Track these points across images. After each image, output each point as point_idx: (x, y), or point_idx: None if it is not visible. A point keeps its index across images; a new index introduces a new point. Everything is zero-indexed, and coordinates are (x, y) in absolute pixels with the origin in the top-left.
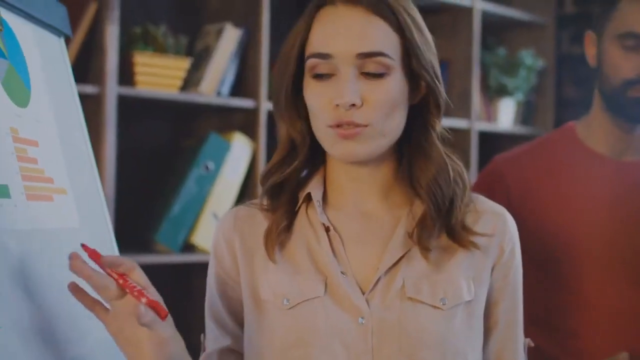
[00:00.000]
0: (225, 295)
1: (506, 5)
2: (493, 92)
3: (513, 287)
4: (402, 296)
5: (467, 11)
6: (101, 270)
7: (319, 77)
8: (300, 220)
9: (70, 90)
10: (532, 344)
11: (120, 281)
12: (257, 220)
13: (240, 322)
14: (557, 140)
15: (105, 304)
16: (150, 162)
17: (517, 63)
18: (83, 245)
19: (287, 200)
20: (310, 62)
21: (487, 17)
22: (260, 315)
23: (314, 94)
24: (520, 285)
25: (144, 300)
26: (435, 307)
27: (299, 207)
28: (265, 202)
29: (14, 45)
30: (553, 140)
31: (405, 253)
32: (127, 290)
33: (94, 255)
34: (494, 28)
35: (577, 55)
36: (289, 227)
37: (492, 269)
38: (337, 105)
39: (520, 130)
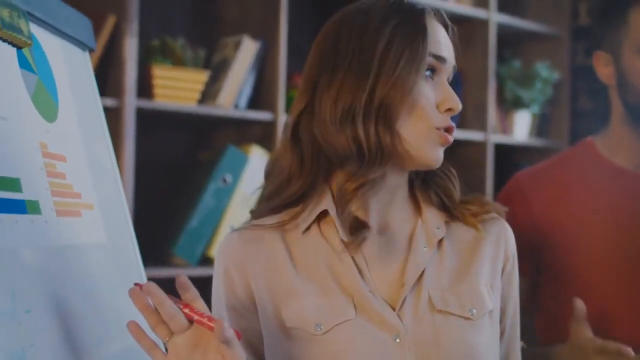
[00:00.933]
0: (239, 327)
1: (521, 17)
2: (508, 105)
3: (515, 293)
4: (432, 309)
5: (483, 23)
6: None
7: (431, 75)
8: (314, 238)
9: (95, 103)
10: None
11: (187, 310)
12: (267, 241)
13: (258, 355)
14: (577, 155)
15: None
16: (168, 174)
17: (533, 75)
18: (136, 284)
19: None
20: (429, 61)
21: (502, 29)
22: (288, 343)
23: (427, 93)
24: (518, 291)
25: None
26: (466, 318)
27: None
28: (269, 220)
29: (42, 60)
30: (574, 155)
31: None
32: (196, 317)
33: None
34: (510, 40)
35: (592, 67)
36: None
37: (501, 277)
38: (449, 109)
39: (536, 142)
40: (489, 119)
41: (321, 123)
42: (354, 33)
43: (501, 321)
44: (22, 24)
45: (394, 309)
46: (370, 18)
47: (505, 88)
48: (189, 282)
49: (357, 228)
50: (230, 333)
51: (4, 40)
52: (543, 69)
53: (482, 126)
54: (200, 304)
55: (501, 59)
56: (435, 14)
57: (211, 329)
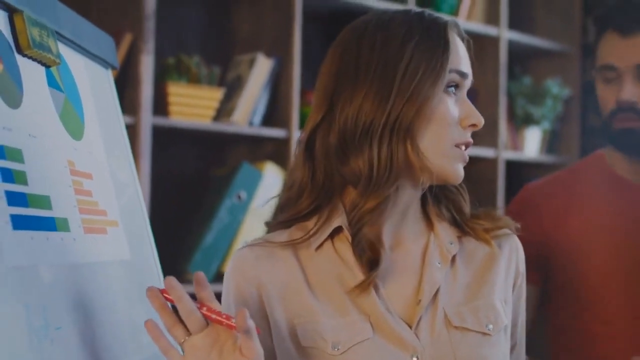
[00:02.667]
0: None
1: (532, 34)
2: (519, 121)
3: (523, 308)
4: (449, 326)
5: (494, 40)
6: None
7: (453, 90)
8: (327, 254)
9: (118, 121)
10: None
11: (204, 309)
12: (280, 258)
13: None
14: (588, 167)
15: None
16: (183, 191)
17: (543, 92)
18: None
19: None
20: (452, 77)
21: (513, 46)
22: None
23: (449, 108)
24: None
25: (233, 321)
26: (484, 333)
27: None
28: (281, 236)
29: (68, 78)
30: (584, 167)
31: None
32: (214, 315)
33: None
34: (520, 57)
35: None
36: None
37: (513, 291)
38: (472, 125)
39: (547, 158)
40: (500, 135)
41: (340, 140)
42: (376, 49)
43: (512, 335)
44: (51, 42)
45: (410, 327)
46: (392, 34)
47: (516, 105)
48: (206, 280)
49: (372, 263)
50: (252, 323)
51: (34, 59)
52: (553, 86)
53: (493, 143)
54: (216, 304)
55: (512, 75)
56: (454, 27)
57: (230, 327)
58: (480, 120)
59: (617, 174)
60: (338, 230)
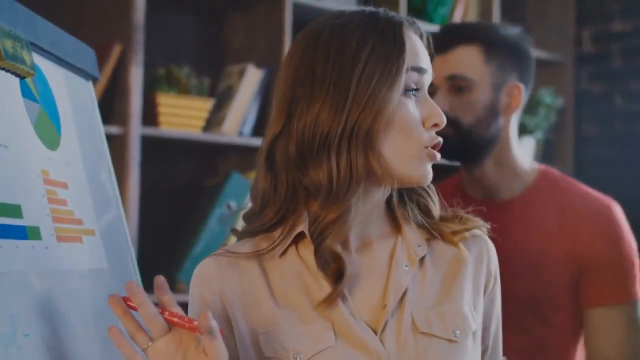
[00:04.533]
0: None
1: None
2: None
3: (497, 312)
4: (415, 331)
5: None
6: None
7: (413, 92)
8: (291, 260)
9: (97, 132)
10: None
11: (166, 314)
12: (243, 267)
13: None
14: (445, 189)
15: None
16: (173, 201)
17: (537, 101)
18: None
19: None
20: (410, 76)
21: None
22: None
23: (409, 111)
24: (501, 309)
25: (195, 323)
26: (450, 340)
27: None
28: (245, 247)
29: (45, 89)
30: (444, 188)
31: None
32: (176, 319)
33: (128, 299)
34: None
35: (596, 93)
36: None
37: (484, 295)
38: (436, 124)
39: None
40: None
41: (298, 150)
42: (331, 57)
43: (484, 339)
44: (25, 54)
45: (376, 332)
46: (347, 40)
47: None
48: (167, 285)
49: (337, 274)
50: (214, 323)
51: (7, 70)
52: (547, 96)
53: None
54: (178, 309)
55: None
56: (411, 25)
57: (192, 329)
58: (442, 119)
59: (465, 192)
60: (302, 235)
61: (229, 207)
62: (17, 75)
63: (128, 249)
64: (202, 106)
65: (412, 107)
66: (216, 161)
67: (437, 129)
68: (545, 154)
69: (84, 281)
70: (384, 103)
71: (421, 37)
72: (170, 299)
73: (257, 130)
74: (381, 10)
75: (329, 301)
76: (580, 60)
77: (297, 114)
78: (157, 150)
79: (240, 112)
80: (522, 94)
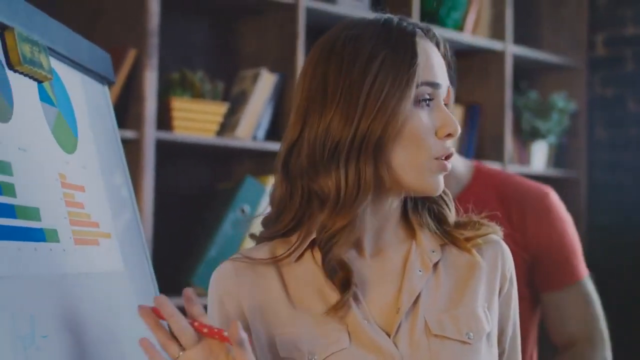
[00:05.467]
0: None
1: (537, 48)
2: (526, 135)
3: (514, 314)
4: (428, 334)
5: (499, 55)
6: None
7: (426, 102)
8: (306, 265)
9: (113, 136)
10: None
11: (196, 324)
12: (260, 271)
13: None
14: None
15: None
16: (187, 205)
17: (550, 106)
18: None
19: (284, 246)
20: (423, 90)
21: (518, 61)
22: None
23: (422, 122)
24: (518, 311)
25: (225, 333)
26: (463, 342)
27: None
28: (262, 252)
29: (62, 93)
30: None
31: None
32: (206, 330)
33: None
34: (526, 71)
35: (609, 97)
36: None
37: (499, 298)
38: (449, 135)
39: (554, 172)
40: (506, 150)
41: (310, 159)
42: (344, 67)
43: (500, 342)
44: (42, 59)
45: (389, 335)
46: (359, 50)
47: (522, 119)
48: (195, 296)
49: (344, 283)
50: (244, 334)
51: (25, 75)
52: (560, 100)
53: (499, 157)
54: (206, 319)
55: (518, 90)
56: (426, 33)
57: (222, 339)
58: (456, 129)
59: None
60: (316, 240)
61: (243, 211)
62: (35, 79)
63: (144, 252)
64: (216, 110)
65: (424, 118)
66: (230, 165)
67: (451, 139)
68: (558, 158)
69: (101, 284)
70: (394, 114)
71: (438, 45)
72: (199, 309)
73: (271, 135)
74: (395, 19)
75: (337, 309)
76: (593, 64)
77: (310, 123)
78: (171, 154)
79: (254, 116)
80: (451, 94)
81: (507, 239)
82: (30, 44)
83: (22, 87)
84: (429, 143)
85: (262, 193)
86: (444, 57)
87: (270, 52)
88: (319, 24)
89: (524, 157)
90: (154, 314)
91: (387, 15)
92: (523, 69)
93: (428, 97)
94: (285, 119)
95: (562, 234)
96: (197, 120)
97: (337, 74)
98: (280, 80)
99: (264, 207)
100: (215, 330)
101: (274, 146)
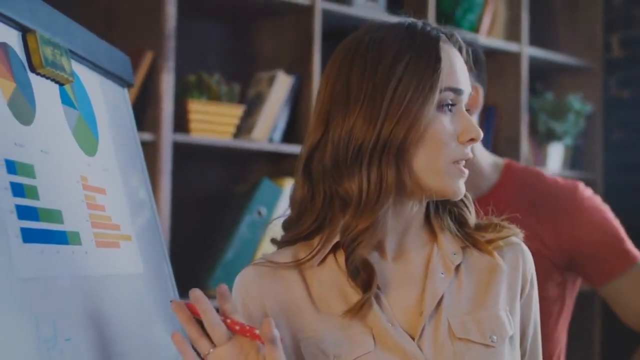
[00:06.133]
0: None
1: (553, 50)
2: (541, 137)
3: (535, 316)
4: (452, 337)
5: (515, 57)
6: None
7: (449, 107)
8: (329, 268)
9: (133, 138)
10: None
11: (228, 321)
12: (283, 276)
13: None
14: None
15: None
16: (204, 207)
17: (565, 108)
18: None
19: (306, 249)
20: (445, 95)
21: (534, 62)
22: None
23: (444, 127)
24: (539, 313)
25: (257, 331)
26: (487, 345)
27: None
28: (284, 256)
29: (83, 96)
30: None
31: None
32: (238, 327)
33: (191, 306)
34: (542, 73)
35: (625, 99)
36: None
37: (520, 300)
38: (471, 139)
39: (570, 174)
40: (522, 151)
41: (333, 162)
42: (367, 69)
43: (521, 344)
44: (64, 61)
45: (413, 338)
46: (383, 54)
47: (538, 121)
48: (229, 293)
49: (366, 284)
50: (276, 332)
51: (47, 78)
52: (575, 102)
53: (515, 159)
54: (239, 316)
55: (533, 92)
56: (449, 38)
57: (254, 337)
58: (479, 134)
59: None
60: (339, 244)
61: (259, 213)
62: (56, 82)
63: (163, 255)
64: (233, 113)
65: (446, 122)
66: (246, 168)
67: (473, 144)
68: (574, 159)
69: (122, 286)
70: (417, 119)
71: (461, 49)
72: (232, 307)
73: (287, 137)
74: (419, 23)
75: (356, 309)
76: (608, 66)
77: (333, 125)
78: (188, 157)
79: (270, 118)
80: (480, 95)
81: (536, 241)
82: (52, 46)
83: (44, 90)
84: (450, 148)
85: (278, 195)
86: (466, 62)
87: (286, 54)
88: (334, 26)
89: (539, 158)
90: (187, 309)
91: (411, 19)
92: (539, 70)
93: (450, 102)
94: (302, 121)
95: (602, 227)
96: (213, 122)
97: (360, 77)
98: (296, 82)
99: (282, 209)
100: (247, 327)
101: (290, 148)
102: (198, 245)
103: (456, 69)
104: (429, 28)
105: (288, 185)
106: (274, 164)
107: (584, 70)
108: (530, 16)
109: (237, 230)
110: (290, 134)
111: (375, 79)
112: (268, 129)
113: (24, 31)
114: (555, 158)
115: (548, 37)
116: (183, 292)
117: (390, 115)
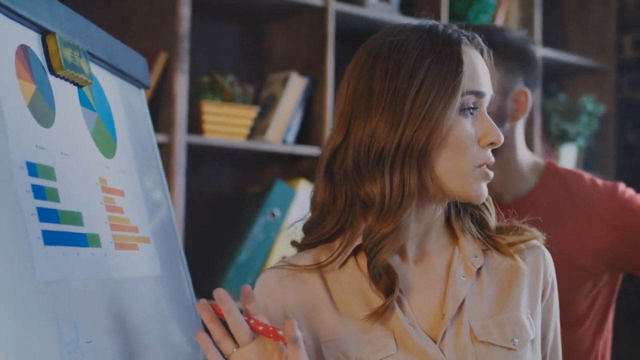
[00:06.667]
0: None
1: (566, 51)
2: (554, 138)
3: (555, 319)
4: (474, 340)
5: None
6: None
7: (470, 111)
8: (350, 271)
9: (149, 140)
10: None
11: (251, 321)
12: (304, 279)
13: None
14: None
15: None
16: (218, 209)
17: (578, 109)
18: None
19: (326, 252)
20: (467, 98)
21: (547, 64)
22: None
23: (466, 130)
24: (559, 316)
25: (280, 332)
26: (509, 348)
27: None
28: (305, 259)
29: (101, 98)
30: None
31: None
32: (261, 327)
33: (215, 306)
34: (555, 74)
35: (638, 100)
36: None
37: (541, 303)
38: (492, 143)
39: None
40: (535, 152)
41: (354, 165)
42: (389, 73)
43: (542, 347)
44: (83, 63)
45: (435, 341)
46: (405, 57)
47: (551, 122)
48: (254, 294)
49: (388, 288)
50: (299, 333)
51: (67, 79)
52: (588, 103)
53: None
54: (263, 317)
55: (546, 93)
56: (471, 41)
57: (277, 338)
58: (499, 138)
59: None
60: (361, 247)
61: (273, 215)
62: (75, 84)
63: (180, 256)
64: (247, 114)
65: (468, 126)
66: (260, 169)
67: (494, 147)
68: (587, 161)
69: (141, 288)
70: (439, 122)
71: (482, 52)
72: (255, 307)
73: (301, 139)
74: (441, 26)
75: (379, 313)
76: (621, 67)
77: (355, 128)
78: (202, 158)
79: (283, 120)
80: (529, 99)
81: (571, 244)
82: (71, 48)
83: (63, 92)
84: (472, 151)
85: (292, 197)
86: (488, 65)
87: (300, 56)
88: (347, 27)
89: (552, 160)
90: (212, 309)
91: (432, 22)
92: (551, 71)
93: (472, 105)
94: (315, 122)
95: None
96: (227, 124)
97: (382, 80)
98: (309, 84)
99: (296, 211)
100: (271, 328)
101: (304, 150)
102: (211, 247)
103: (478, 71)
104: (450, 30)
105: (301, 186)
106: (288, 166)
107: (597, 71)
108: (543, 17)
109: (250, 231)
110: (304, 136)
111: (397, 82)
112: (281, 130)
113: (44, 33)
114: (568, 159)
115: (561, 38)
116: (196, 293)
117: (412, 119)
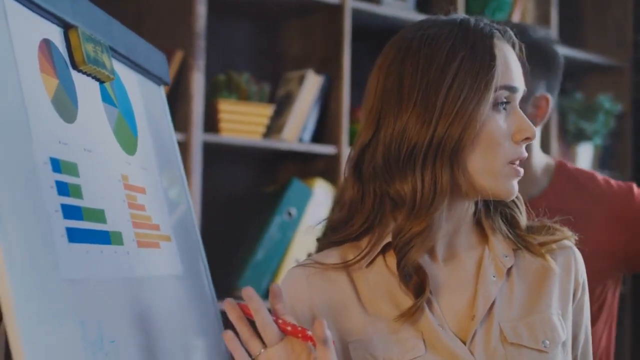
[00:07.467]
0: None
1: (582, 49)
2: (571, 137)
3: (586, 320)
4: (504, 342)
5: None
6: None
7: (503, 106)
8: (378, 270)
9: (169, 137)
10: None
11: (280, 321)
12: (331, 277)
13: None
14: None
15: None
16: (234, 208)
17: (595, 107)
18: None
19: (354, 251)
20: (500, 93)
21: (564, 62)
22: None
23: (499, 126)
24: (589, 317)
25: (309, 332)
26: (540, 350)
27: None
28: (332, 257)
29: (122, 94)
30: None
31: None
32: (290, 328)
33: (243, 306)
34: (571, 73)
35: None
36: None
37: (572, 305)
38: (527, 138)
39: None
40: (551, 151)
41: (384, 162)
42: (420, 67)
43: (573, 349)
44: (105, 58)
45: (464, 343)
46: (436, 51)
47: (568, 120)
48: (282, 293)
49: (418, 288)
50: (329, 333)
51: (89, 75)
52: (605, 101)
53: None
54: (291, 317)
55: (563, 91)
56: (503, 34)
57: (306, 338)
58: (533, 133)
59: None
60: (389, 246)
61: (289, 214)
62: (97, 79)
63: (200, 255)
64: (263, 112)
65: (501, 121)
66: (276, 168)
67: (528, 143)
68: (604, 160)
69: (163, 287)
70: (472, 118)
71: (514, 45)
72: (283, 307)
73: (317, 137)
74: (472, 19)
75: (409, 314)
76: (639, 65)
77: (385, 124)
78: (218, 156)
79: (300, 118)
80: (549, 105)
81: (585, 246)
82: (94, 43)
83: (85, 87)
84: (505, 148)
85: (308, 196)
86: (520, 59)
87: (316, 54)
88: (364, 25)
89: (569, 159)
90: (239, 308)
91: (463, 16)
92: (568, 70)
93: (505, 100)
94: (332, 121)
95: None
96: (243, 122)
97: (413, 75)
98: (326, 82)
99: (312, 210)
100: (299, 328)
101: (320, 149)
102: (227, 246)
103: (511, 66)
104: (482, 24)
105: (318, 185)
106: (304, 164)
107: (613, 69)
108: (560, 15)
109: (266, 231)
110: (320, 134)
111: (428, 77)
112: (298, 129)
113: (66, 27)
114: (584, 158)
115: (577, 36)
116: (215, 291)
117: (444, 115)
